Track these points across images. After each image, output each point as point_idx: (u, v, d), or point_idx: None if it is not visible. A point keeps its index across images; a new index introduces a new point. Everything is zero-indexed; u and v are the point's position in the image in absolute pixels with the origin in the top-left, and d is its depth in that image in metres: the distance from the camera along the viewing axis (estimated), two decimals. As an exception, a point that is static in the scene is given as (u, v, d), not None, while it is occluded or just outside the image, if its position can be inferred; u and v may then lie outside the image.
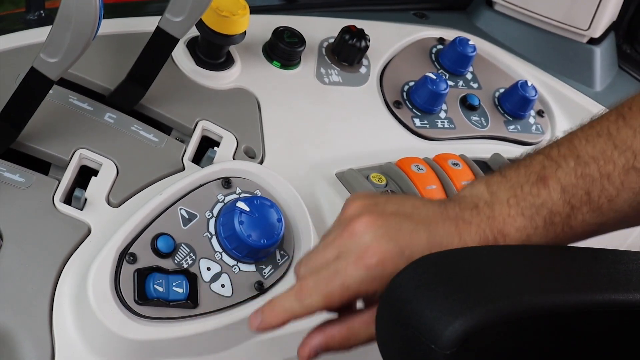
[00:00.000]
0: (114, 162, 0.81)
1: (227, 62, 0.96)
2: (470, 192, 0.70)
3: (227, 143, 0.89)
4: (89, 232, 0.77)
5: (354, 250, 0.67)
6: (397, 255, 0.67)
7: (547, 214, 0.68)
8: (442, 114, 1.09)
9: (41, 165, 0.80)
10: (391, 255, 0.67)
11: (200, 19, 0.86)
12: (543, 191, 0.68)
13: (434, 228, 0.69)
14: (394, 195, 0.74)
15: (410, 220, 0.69)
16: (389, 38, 1.15)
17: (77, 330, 0.72)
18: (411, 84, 1.10)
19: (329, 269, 0.68)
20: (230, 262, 0.78)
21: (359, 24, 1.08)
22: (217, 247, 0.77)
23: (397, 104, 1.07)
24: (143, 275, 0.73)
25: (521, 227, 0.68)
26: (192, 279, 0.75)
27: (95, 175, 0.80)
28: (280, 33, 1.01)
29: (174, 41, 0.82)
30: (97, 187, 0.79)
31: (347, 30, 1.06)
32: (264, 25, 1.02)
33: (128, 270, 0.73)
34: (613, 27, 1.37)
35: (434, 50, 1.18)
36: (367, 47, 1.06)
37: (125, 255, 0.73)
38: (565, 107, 1.22)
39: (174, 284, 0.74)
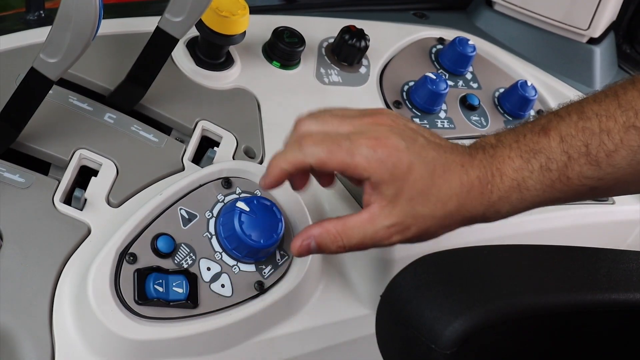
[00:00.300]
0: (113, 162, 0.81)
1: (226, 62, 0.96)
2: (481, 139, 0.74)
3: (227, 143, 0.89)
4: (89, 232, 0.77)
5: (372, 133, 0.71)
6: (405, 157, 0.70)
7: (544, 160, 0.70)
8: (442, 114, 1.09)
9: (41, 166, 0.80)
10: (400, 155, 0.70)
11: (200, 19, 0.86)
12: (543, 139, 0.71)
13: (442, 152, 0.72)
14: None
15: (425, 139, 0.73)
16: (388, 38, 1.15)
17: (77, 330, 0.72)
18: (411, 83, 1.10)
19: (341, 135, 0.71)
20: (230, 262, 0.78)
21: (358, 24, 1.08)
22: (217, 247, 0.77)
23: (397, 103, 1.07)
24: (143, 276, 0.73)
25: (518, 168, 0.70)
26: (192, 279, 0.75)
27: (95, 176, 0.80)
28: (280, 33, 1.01)
29: (173, 41, 0.82)
30: (97, 187, 0.79)
31: (346, 30, 1.06)
32: (263, 25, 1.02)
33: (128, 270, 0.73)
34: (613, 27, 1.37)
35: (434, 50, 1.18)
36: (366, 47, 1.06)
37: (125, 255, 0.73)
38: (565, 107, 1.22)
39: (173, 284, 0.74)
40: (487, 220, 0.73)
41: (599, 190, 0.72)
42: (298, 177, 0.75)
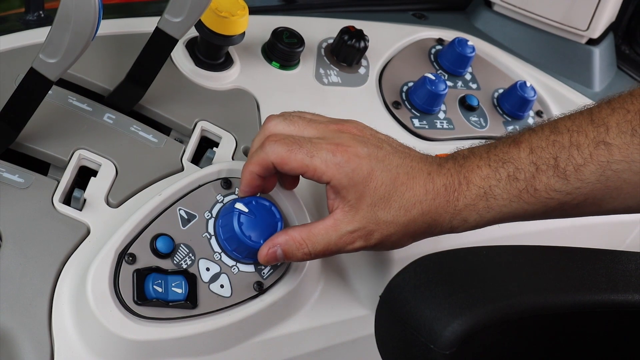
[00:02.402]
0: (113, 163, 0.81)
1: (226, 63, 0.96)
2: (455, 152, 0.76)
3: (226, 143, 0.89)
4: (88, 232, 0.77)
5: (334, 139, 0.73)
6: (365, 164, 0.72)
7: (512, 169, 0.71)
8: (441, 115, 1.09)
9: (40, 166, 0.80)
10: (360, 161, 0.72)
11: (200, 19, 0.86)
12: (513, 150, 0.72)
13: (409, 160, 0.74)
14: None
15: (392, 148, 0.74)
16: (388, 39, 1.15)
17: (76, 331, 0.72)
18: (410, 84, 1.10)
19: (304, 138, 0.74)
20: (230, 262, 0.78)
21: (358, 24, 1.08)
22: (216, 248, 0.77)
23: (396, 104, 1.07)
24: (142, 276, 0.73)
25: (485, 176, 0.72)
26: (191, 279, 0.75)
27: (95, 176, 0.80)
28: (280, 34, 1.01)
29: (173, 42, 0.82)
30: (96, 188, 0.79)
31: (346, 30, 1.06)
32: (263, 26, 1.02)
33: (127, 270, 0.73)
34: (612, 28, 1.37)
35: (433, 50, 1.18)
36: (366, 47, 1.06)
37: (125, 255, 0.73)
38: (564, 108, 1.22)
39: (173, 284, 0.74)
40: (454, 230, 0.74)
41: (568, 206, 0.72)
42: (271, 179, 0.78)
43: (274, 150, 0.72)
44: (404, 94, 1.09)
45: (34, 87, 0.74)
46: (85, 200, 0.78)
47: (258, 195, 0.79)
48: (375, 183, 0.71)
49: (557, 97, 1.23)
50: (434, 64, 1.16)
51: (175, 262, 0.75)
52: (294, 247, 0.74)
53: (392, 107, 1.06)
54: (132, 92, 0.85)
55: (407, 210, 0.72)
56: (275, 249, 0.74)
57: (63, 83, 0.85)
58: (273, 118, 0.77)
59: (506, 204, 0.72)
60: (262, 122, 0.93)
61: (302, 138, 0.73)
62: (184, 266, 0.76)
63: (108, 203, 0.79)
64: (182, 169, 0.85)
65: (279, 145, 0.72)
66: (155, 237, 0.75)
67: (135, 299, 0.72)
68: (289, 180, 0.81)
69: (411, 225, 0.72)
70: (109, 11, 0.99)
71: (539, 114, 1.19)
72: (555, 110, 1.21)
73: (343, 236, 0.73)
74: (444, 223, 0.73)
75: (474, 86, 1.17)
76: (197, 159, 0.87)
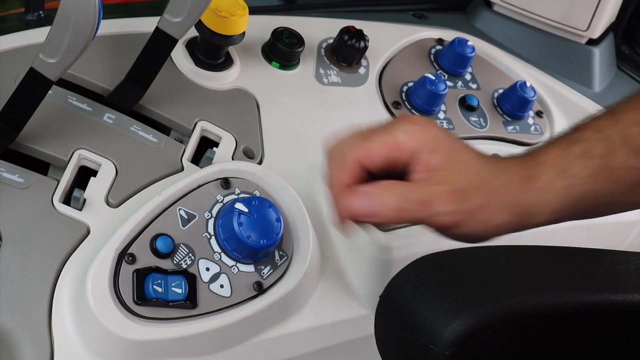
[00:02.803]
0: (113, 163, 0.81)
1: (226, 63, 0.96)
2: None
3: (226, 143, 0.89)
4: (88, 232, 0.77)
5: (394, 124, 0.70)
6: (446, 138, 0.70)
7: (585, 147, 0.69)
8: (441, 115, 1.09)
9: (40, 166, 0.80)
10: (438, 133, 0.70)
11: (199, 19, 0.86)
12: (583, 131, 0.70)
13: (485, 160, 0.71)
14: None
15: (457, 138, 0.72)
16: (388, 39, 1.15)
17: (76, 331, 0.72)
18: (410, 84, 1.10)
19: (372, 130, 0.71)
20: (229, 262, 0.78)
21: (358, 24, 1.08)
22: (216, 248, 0.77)
23: (396, 104, 1.07)
24: (142, 276, 0.73)
25: (558, 156, 0.70)
26: (191, 279, 0.75)
27: (94, 176, 0.80)
28: (279, 34, 1.01)
29: (173, 42, 0.82)
30: (96, 188, 0.79)
31: (346, 30, 1.06)
32: (263, 26, 1.02)
33: (127, 270, 0.73)
34: (612, 28, 1.37)
35: (433, 50, 1.18)
36: (366, 47, 1.06)
37: (124, 255, 0.73)
38: (564, 108, 1.23)
39: (173, 284, 0.74)
40: (542, 210, 0.71)
41: None
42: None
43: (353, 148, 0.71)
44: (404, 94, 1.09)
45: (33, 87, 0.74)
46: (85, 200, 0.78)
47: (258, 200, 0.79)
48: (458, 168, 0.69)
49: (557, 97, 1.23)
50: (434, 64, 1.16)
51: (175, 262, 0.75)
52: (364, 210, 0.69)
53: (392, 107, 1.06)
54: (132, 92, 0.85)
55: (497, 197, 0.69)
56: (349, 209, 0.70)
57: (63, 83, 0.85)
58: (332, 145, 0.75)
59: (585, 182, 0.69)
60: (262, 121, 0.94)
61: (371, 131, 0.71)
62: (184, 266, 0.76)
63: (108, 203, 0.79)
64: (182, 169, 0.85)
65: (355, 142, 0.71)
66: (155, 237, 0.75)
67: (135, 299, 0.72)
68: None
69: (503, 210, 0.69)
70: (109, 11, 0.99)
71: (539, 114, 1.19)
72: (556, 111, 1.21)
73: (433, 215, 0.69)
74: (531, 207, 0.70)
75: (474, 86, 1.17)
76: (197, 159, 0.87)
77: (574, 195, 0.70)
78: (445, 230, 0.70)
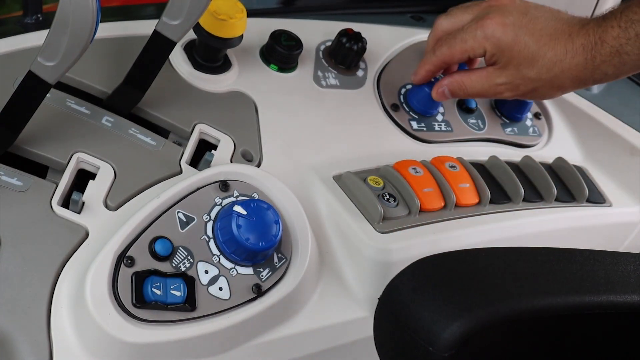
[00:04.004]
0: (111, 166, 0.81)
1: (224, 66, 0.96)
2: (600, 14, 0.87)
3: (225, 146, 0.89)
4: (87, 235, 0.77)
5: (484, 16, 0.91)
6: (510, 31, 0.87)
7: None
8: (439, 117, 1.09)
9: (39, 169, 0.80)
10: (505, 29, 0.88)
11: (198, 22, 0.86)
12: None
13: (553, 23, 0.87)
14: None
15: (538, 12, 0.89)
16: (386, 41, 1.15)
17: (75, 334, 0.72)
18: (408, 86, 1.10)
19: (458, 30, 0.94)
20: (228, 265, 0.78)
21: (356, 27, 1.08)
22: (215, 250, 0.77)
23: (395, 106, 1.07)
24: (141, 279, 0.73)
25: (616, 36, 0.81)
26: (189, 282, 0.75)
27: (93, 179, 0.80)
28: (278, 36, 1.01)
29: (171, 44, 0.82)
30: (95, 191, 0.79)
31: (344, 33, 1.06)
32: (261, 29, 1.02)
33: (126, 273, 0.73)
34: (610, 29, 1.37)
35: (431, 53, 1.18)
36: (364, 50, 1.06)
37: (123, 258, 0.73)
38: (562, 110, 1.23)
39: (171, 287, 0.74)
40: (597, 81, 0.86)
41: None
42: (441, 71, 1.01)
43: (440, 52, 0.95)
44: (402, 96, 1.09)
45: (32, 90, 0.74)
46: (83, 203, 0.78)
47: None
48: (520, 46, 0.86)
49: (555, 99, 1.23)
50: (432, 66, 1.16)
51: (173, 264, 0.75)
52: (456, 87, 0.95)
53: (390, 110, 1.06)
54: (131, 95, 0.85)
55: (549, 69, 0.84)
56: (443, 89, 0.96)
57: (61, 86, 0.85)
58: (439, 17, 0.98)
59: (638, 59, 0.81)
60: (260, 124, 0.94)
61: (457, 30, 0.93)
62: (183, 269, 0.76)
63: (106, 206, 0.79)
64: (181, 172, 0.85)
65: (441, 47, 0.95)
66: (154, 240, 0.75)
67: (134, 301, 0.72)
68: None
69: (554, 80, 0.86)
70: (107, 14, 0.99)
71: (537, 115, 1.19)
72: (554, 112, 1.22)
73: (493, 86, 0.91)
74: (586, 77, 0.83)
75: (472, 88, 1.17)
76: (195, 162, 0.87)
77: (629, 67, 0.83)
78: (523, 96, 0.92)
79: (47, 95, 0.76)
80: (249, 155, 0.90)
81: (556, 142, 1.19)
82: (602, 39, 0.82)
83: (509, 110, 1.15)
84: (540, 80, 0.86)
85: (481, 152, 1.07)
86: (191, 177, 0.80)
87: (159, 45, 0.82)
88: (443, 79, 0.96)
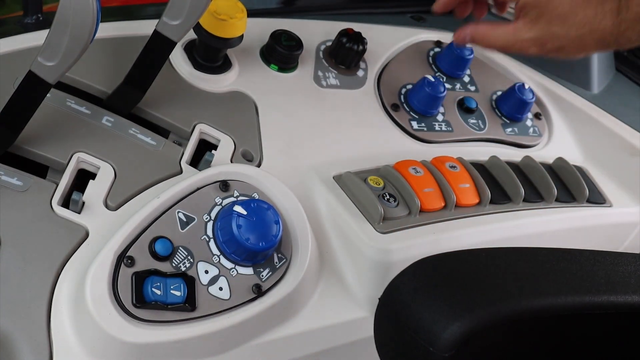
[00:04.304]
0: (111, 166, 0.81)
1: (224, 66, 0.96)
2: None
3: (225, 146, 0.89)
4: (87, 235, 0.77)
5: None
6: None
7: None
8: (440, 117, 1.09)
9: (39, 169, 0.80)
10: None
11: (198, 22, 0.86)
12: None
13: None
14: None
15: None
16: (386, 41, 1.15)
17: (75, 334, 0.71)
18: (409, 86, 1.10)
19: None
20: (228, 265, 0.78)
21: (356, 27, 1.08)
22: (215, 250, 0.77)
23: (395, 106, 1.07)
24: (141, 279, 0.73)
25: (638, 2, 0.82)
26: (189, 282, 0.75)
27: (93, 179, 0.80)
28: (278, 36, 1.01)
29: (171, 44, 0.82)
30: (95, 191, 0.79)
31: (344, 33, 1.06)
32: (261, 29, 1.02)
33: (126, 273, 0.73)
34: (610, 30, 1.37)
35: (432, 53, 1.18)
36: (364, 50, 1.06)
37: (123, 258, 0.73)
38: (563, 110, 1.23)
39: (171, 287, 0.74)
40: (620, 45, 0.86)
41: None
42: (462, 6, 1.00)
43: None
44: (402, 97, 1.09)
45: (32, 90, 0.74)
46: (83, 203, 0.78)
47: None
48: (556, 3, 0.87)
49: (555, 99, 1.23)
50: (433, 66, 1.16)
51: (174, 264, 0.75)
52: (480, 35, 0.93)
53: (390, 110, 1.06)
54: (131, 95, 0.85)
55: (578, 28, 0.86)
56: (465, 34, 0.94)
57: (61, 86, 0.85)
58: None
59: None
60: (261, 124, 0.94)
61: None
62: (183, 269, 0.75)
63: (107, 206, 0.79)
64: (181, 172, 0.85)
65: None
66: (154, 240, 0.75)
67: (134, 301, 0.72)
68: (481, 8, 1.02)
69: (581, 40, 0.86)
70: (107, 14, 0.99)
71: (537, 116, 1.19)
72: (554, 112, 1.22)
73: (519, 41, 0.90)
74: (611, 41, 0.85)
75: (473, 88, 1.17)
76: (195, 162, 0.87)
77: None
78: (547, 53, 0.91)
79: (47, 95, 0.76)
80: (249, 155, 0.90)
81: (556, 142, 1.19)
82: (627, 4, 0.83)
83: (510, 110, 1.15)
84: (568, 39, 0.88)
85: (481, 152, 1.07)
86: (191, 177, 0.80)
87: (159, 45, 0.81)
88: (467, 26, 0.95)
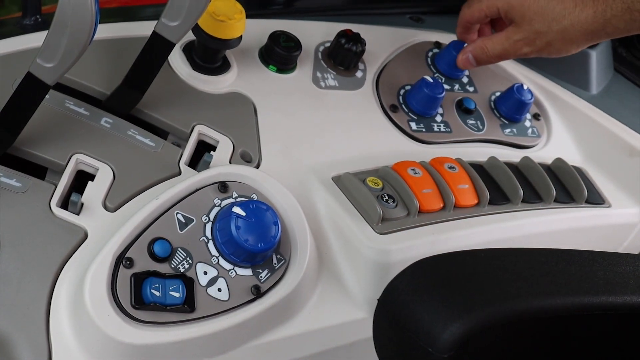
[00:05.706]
0: (110, 167, 0.81)
1: (223, 67, 0.96)
2: None
3: (224, 147, 0.89)
4: (86, 236, 0.77)
5: None
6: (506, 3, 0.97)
7: None
8: (438, 118, 1.09)
9: (38, 170, 0.80)
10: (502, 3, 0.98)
11: (197, 23, 0.86)
12: None
13: None
14: None
15: None
16: (385, 42, 1.15)
17: (74, 335, 0.71)
18: (407, 87, 1.10)
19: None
20: (227, 266, 0.78)
21: (355, 28, 1.08)
22: (214, 252, 0.77)
23: (394, 107, 1.07)
24: (140, 280, 0.73)
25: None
26: (188, 283, 0.75)
27: (92, 180, 0.80)
28: (277, 37, 1.01)
29: (170, 46, 0.82)
30: (94, 192, 0.79)
31: (343, 34, 1.06)
32: (260, 30, 1.02)
33: (125, 274, 0.73)
34: (609, 31, 1.37)
35: (430, 54, 1.18)
36: (363, 51, 1.06)
37: (122, 259, 0.73)
38: (561, 111, 1.23)
39: (170, 288, 0.74)
40: (610, 35, 0.91)
41: None
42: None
43: (462, 13, 1.06)
44: (401, 97, 1.09)
45: (31, 91, 0.74)
46: (82, 204, 0.78)
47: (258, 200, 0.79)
48: (529, 1, 0.93)
49: (554, 99, 1.23)
50: (431, 67, 1.17)
51: (172, 266, 0.75)
52: (479, 50, 1.01)
53: (389, 111, 1.06)
54: (129, 96, 0.85)
55: (558, 21, 0.90)
56: (467, 55, 1.04)
57: (60, 87, 0.85)
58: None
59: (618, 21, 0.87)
60: (259, 125, 0.94)
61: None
62: (182, 270, 0.75)
63: (105, 207, 0.79)
64: (180, 173, 0.84)
65: (462, 9, 1.05)
66: (153, 241, 0.75)
67: (133, 303, 0.72)
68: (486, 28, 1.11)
69: (565, 33, 0.91)
70: (106, 15, 0.99)
71: (536, 116, 1.19)
72: (553, 113, 1.22)
73: (512, 43, 0.97)
74: (597, 30, 0.88)
75: (471, 89, 1.17)
76: (194, 163, 0.87)
77: (635, 26, 0.87)
78: (540, 52, 0.97)
79: (46, 96, 0.76)
80: (247, 157, 0.90)
81: (555, 143, 1.19)
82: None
83: (508, 111, 1.15)
84: (552, 33, 0.91)
85: (480, 153, 1.07)
86: (190, 178, 0.80)
87: (157, 47, 0.81)
88: (466, 47, 1.03)
